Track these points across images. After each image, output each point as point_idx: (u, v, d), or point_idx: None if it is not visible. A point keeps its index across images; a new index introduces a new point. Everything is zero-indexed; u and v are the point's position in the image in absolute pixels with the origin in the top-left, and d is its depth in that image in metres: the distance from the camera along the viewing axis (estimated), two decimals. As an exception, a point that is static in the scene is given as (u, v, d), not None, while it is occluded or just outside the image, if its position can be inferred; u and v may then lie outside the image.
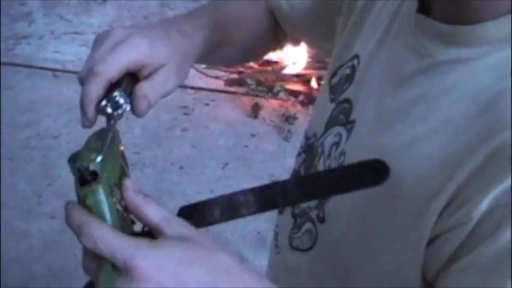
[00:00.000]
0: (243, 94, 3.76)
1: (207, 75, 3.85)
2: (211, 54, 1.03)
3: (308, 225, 0.95)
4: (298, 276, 0.98)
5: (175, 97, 3.66)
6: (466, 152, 0.70)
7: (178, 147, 3.39)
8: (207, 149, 3.38)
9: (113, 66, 0.78)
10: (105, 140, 0.73)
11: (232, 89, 3.80)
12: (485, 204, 0.67)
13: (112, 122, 0.78)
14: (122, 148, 0.77)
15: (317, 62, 3.82)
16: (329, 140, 0.93)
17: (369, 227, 0.82)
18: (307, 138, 1.04)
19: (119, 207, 0.70)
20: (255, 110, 3.60)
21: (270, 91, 3.73)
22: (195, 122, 3.57)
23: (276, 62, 3.85)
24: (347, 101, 0.92)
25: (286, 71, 3.81)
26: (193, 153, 3.37)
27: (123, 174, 0.75)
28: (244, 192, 0.76)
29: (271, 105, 3.67)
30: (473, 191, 0.68)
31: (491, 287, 0.66)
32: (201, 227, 0.74)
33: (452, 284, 0.71)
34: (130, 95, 0.82)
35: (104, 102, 0.78)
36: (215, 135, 3.49)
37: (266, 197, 0.76)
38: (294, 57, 3.83)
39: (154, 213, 0.69)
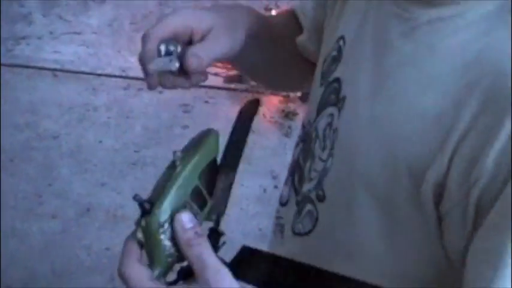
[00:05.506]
0: (243, 91, 3.75)
1: (206, 73, 3.84)
2: (245, 57, 1.05)
3: (308, 207, 0.94)
4: None
5: (175, 95, 3.65)
6: (459, 104, 0.72)
7: (179, 145, 3.33)
8: (208, 146, 3.36)
9: (161, 29, 0.89)
10: (171, 173, 0.74)
11: (232, 85, 3.78)
12: (490, 162, 0.68)
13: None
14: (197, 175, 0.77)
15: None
16: (322, 122, 0.93)
17: (370, 199, 0.82)
18: (303, 127, 1.03)
19: (167, 243, 0.72)
20: (255, 107, 3.59)
21: (270, 87, 3.71)
22: (195, 120, 3.56)
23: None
24: (336, 80, 0.93)
25: (285, 67, 3.79)
26: (193, 151, 3.35)
27: (200, 199, 0.76)
28: (304, 273, 0.76)
29: (271, 102, 3.66)
30: (475, 147, 0.69)
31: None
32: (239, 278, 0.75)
33: (477, 255, 0.70)
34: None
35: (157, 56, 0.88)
36: (215, 132, 3.47)
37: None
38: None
39: (195, 256, 0.71)
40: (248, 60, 1.10)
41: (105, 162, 3.31)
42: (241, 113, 0.90)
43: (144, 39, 0.89)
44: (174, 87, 0.94)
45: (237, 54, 0.98)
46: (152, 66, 0.87)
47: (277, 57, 1.16)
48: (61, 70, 3.96)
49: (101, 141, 3.45)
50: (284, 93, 3.68)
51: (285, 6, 3.62)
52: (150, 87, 0.92)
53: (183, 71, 0.90)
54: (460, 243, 0.73)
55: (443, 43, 0.76)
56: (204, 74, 0.94)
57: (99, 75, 3.90)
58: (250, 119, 0.90)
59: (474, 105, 0.70)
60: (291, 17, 1.17)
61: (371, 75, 0.84)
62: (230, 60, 1.03)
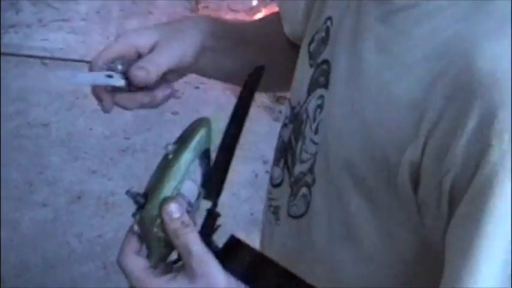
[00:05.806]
0: (233, 76, 3.73)
1: (196, 58, 3.82)
2: (210, 63, 1.07)
3: (303, 190, 0.94)
4: (294, 245, 0.98)
5: (165, 81, 3.63)
6: (430, 92, 0.71)
7: (169, 131, 3.37)
8: (198, 132, 3.35)
9: (104, 53, 0.94)
10: (164, 166, 0.78)
11: (222, 71, 3.77)
12: (459, 153, 0.68)
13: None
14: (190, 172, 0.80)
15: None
16: (312, 104, 0.93)
17: (354, 183, 0.82)
18: (292, 108, 1.03)
19: (161, 234, 0.76)
20: (245, 92, 3.58)
21: (260, 72, 3.70)
22: (186, 106, 3.55)
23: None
24: (325, 62, 0.92)
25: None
26: (184, 137, 3.34)
27: (193, 191, 0.79)
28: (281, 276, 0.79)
29: (261, 87, 3.64)
30: (445, 137, 0.69)
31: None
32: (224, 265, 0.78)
33: (450, 245, 0.71)
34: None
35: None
36: (206, 118, 3.46)
37: None
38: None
39: (182, 244, 0.75)
40: (217, 67, 1.10)
41: (96, 150, 3.31)
42: (246, 82, 0.91)
43: (90, 67, 0.94)
44: (136, 106, 0.97)
45: (193, 62, 1.00)
46: (80, 79, 0.94)
47: (260, 59, 1.14)
48: (50, 58, 3.94)
49: (91, 129, 3.44)
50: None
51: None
52: (104, 110, 0.96)
53: (140, 89, 0.94)
54: (439, 231, 0.73)
55: (416, 29, 0.76)
56: (169, 87, 0.98)
57: (88, 62, 3.85)
58: (255, 86, 0.91)
59: (442, 94, 0.70)
60: (276, 18, 1.17)
61: (348, 58, 0.84)
62: (188, 69, 1.04)
